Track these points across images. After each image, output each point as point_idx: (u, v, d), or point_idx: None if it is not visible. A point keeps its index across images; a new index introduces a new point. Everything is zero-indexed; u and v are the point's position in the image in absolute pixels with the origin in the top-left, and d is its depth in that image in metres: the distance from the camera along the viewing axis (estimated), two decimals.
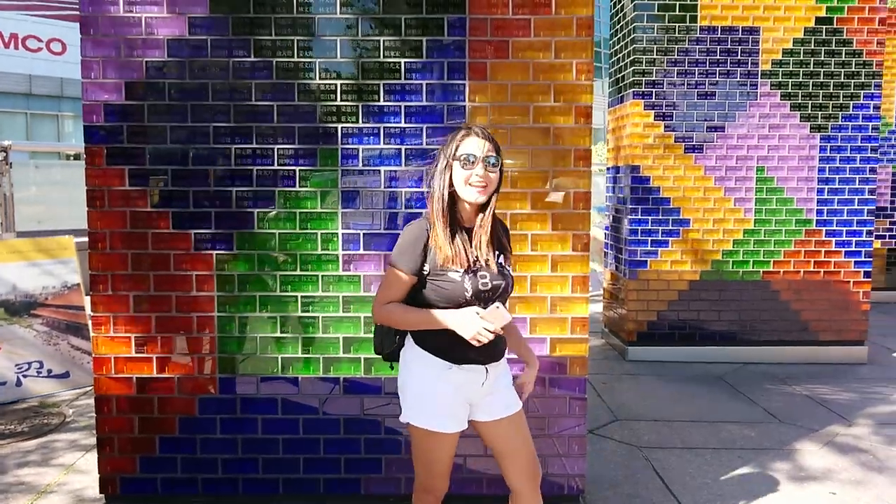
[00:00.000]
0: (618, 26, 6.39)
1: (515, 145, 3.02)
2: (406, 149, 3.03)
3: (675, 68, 5.91)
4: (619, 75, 6.37)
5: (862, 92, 5.93)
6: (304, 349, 3.11)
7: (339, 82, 3.01)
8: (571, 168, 3.03)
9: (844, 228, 6.00)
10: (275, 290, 3.08)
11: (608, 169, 6.81)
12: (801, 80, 5.91)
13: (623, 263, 6.14)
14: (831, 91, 5.94)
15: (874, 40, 5.89)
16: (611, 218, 6.66)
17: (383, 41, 3.00)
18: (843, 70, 5.92)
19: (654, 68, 5.90)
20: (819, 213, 6.00)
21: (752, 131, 5.96)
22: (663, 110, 5.93)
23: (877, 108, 5.95)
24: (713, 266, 6.03)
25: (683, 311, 6.07)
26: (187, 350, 3.10)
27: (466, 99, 3.01)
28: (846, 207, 5.98)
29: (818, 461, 3.94)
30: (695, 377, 5.61)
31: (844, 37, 5.88)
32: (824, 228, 6.00)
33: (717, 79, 5.91)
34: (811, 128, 5.96)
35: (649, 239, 6.01)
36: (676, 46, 5.89)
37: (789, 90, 5.92)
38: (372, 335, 3.05)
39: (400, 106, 3.01)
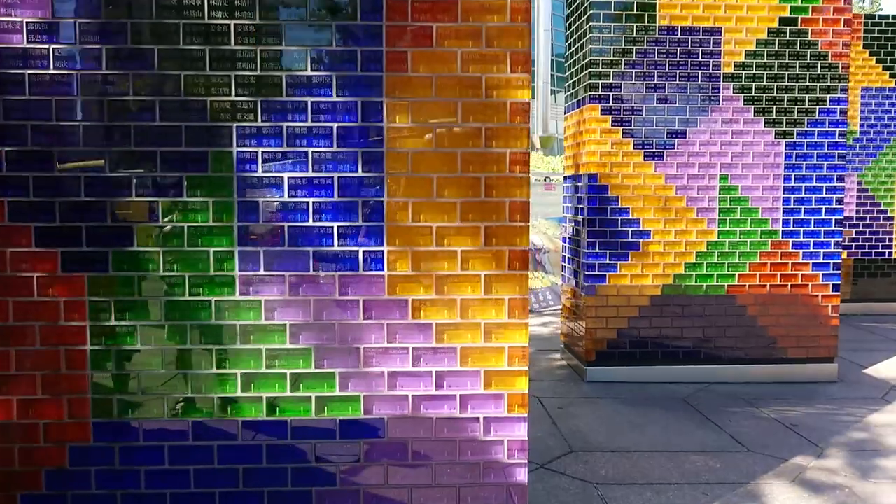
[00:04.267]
0: (573, 27, 6.04)
1: (442, 147, 2.60)
2: (314, 152, 2.59)
3: (634, 71, 5.55)
4: (575, 79, 6.01)
5: (828, 96, 5.63)
6: (196, 388, 2.64)
7: (233, 74, 2.56)
8: (507, 173, 2.62)
9: (812, 239, 5.68)
10: (159, 319, 2.61)
11: (565, 178, 6.43)
12: (764, 83, 5.60)
13: (580, 278, 5.75)
14: (796, 95, 5.63)
15: (840, 42, 5.60)
16: (568, 230, 6.28)
17: (285, 25, 2.56)
18: (808, 73, 5.62)
19: (612, 71, 5.54)
20: (785, 223, 5.68)
21: (715, 137, 5.62)
22: (621, 115, 5.57)
23: (843, 112, 5.66)
24: (675, 280, 5.67)
25: (645, 329, 5.69)
26: (55, 390, 2.61)
27: (384, 94, 2.58)
28: (813, 217, 5.67)
29: (789, 499, 3.56)
30: (657, 399, 5.23)
31: (809, 38, 5.58)
32: (791, 240, 5.68)
33: (678, 82, 5.57)
34: (776, 134, 5.64)
35: (608, 252, 5.63)
36: (634, 48, 5.53)
37: (752, 94, 5.60)
38: (278, 370, 2.61)
39: (306, 102, 2.57)
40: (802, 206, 5.67)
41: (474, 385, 2.68)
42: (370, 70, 2.58)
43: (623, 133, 5.58)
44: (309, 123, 2.57)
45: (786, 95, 5.62)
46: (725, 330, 5.71)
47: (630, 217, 5.62)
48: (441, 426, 2.69)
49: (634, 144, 5.59)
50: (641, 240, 5.63)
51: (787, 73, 5.60)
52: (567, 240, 6.30)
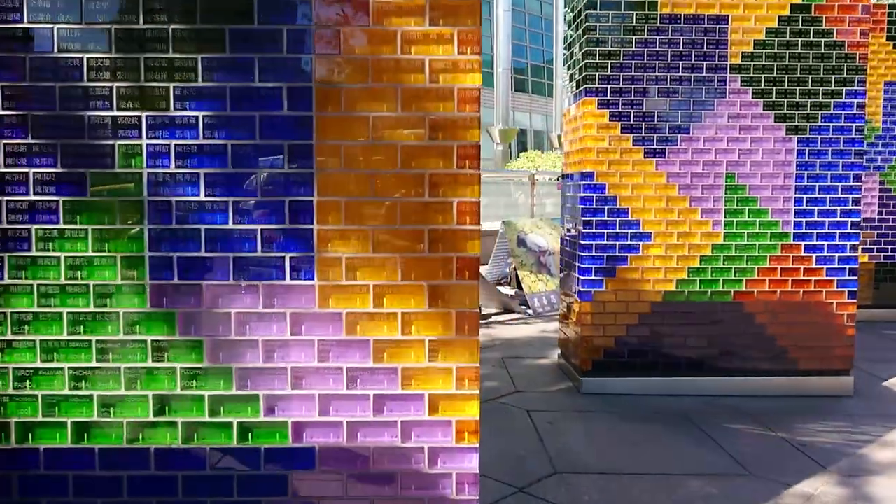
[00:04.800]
0: (571, 15, 5.68)
1: (380, 140, 2.28)
2: (233, 145, 2.28)
3: (633, 62, 5.19)
4: (572, 71, 5.65)
5: (844, 89, 5.22)
6: (104, 411, 2.34)
7: (142, 56, 2.26)
8: (454, 170, 2.29)
9: (826, 243, 5.28)
10: (61, 334, 2.31)
11: (562, 176, 6.08)
12: (775, 75, 5.20)
13: (576, 283, 5.40)
14: (809, 88, 5.22)
15: (857, 31, 5.19)
16: (564, 231, 5.93)
17: (200, 2, 2.26)
18: (822, 64, 5.21)
19: (609, 62, 5.18)
20: (797, 225, 5.27)
21: (721, 133, 5.24)
22: (619, 109, 5.20)
23: (861, 106, 5.24)
24: (678, 286, 5.30)
25: (645, 338, 5.32)
26: None
27: (313, 79, 2.27)
28: (828, 219, 5.26)
29: None
30: (656, 414, 4.86)
31: (824, 27, 5.17)
32: (803, 243, 5.27)
33: (681, 74, 5.19)
34: (787, 129, 5.24)
35: (605, 255, 5.27)
36: (634, 37, 5.17)
37: (762, 87, 5.21)
38: (196, 391, 2.30)
39: (224, 88, 2.27)
40: (816, 207, 5.26)
41: (418, 410, 2.35)
42: (297, 52, 2.26)
43: (622, 128, 5.22)
44: (227, 112, 2.26)
45: (798, 88, 5.22)
46: (732, 339, 5.33)
47: (629, 218, 5.25)
48: (381, 456, 2.36)
49: (634, 141, 5.22)
50: (641, 242, 5.27)
51: (799, 64, 5.20)
52: (564, 241, 5.95)
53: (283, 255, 2.29)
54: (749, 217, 5.26)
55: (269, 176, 2.27)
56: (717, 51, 5.19)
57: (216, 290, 2.31)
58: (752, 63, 5.19)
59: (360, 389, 2.33)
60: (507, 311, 8.24)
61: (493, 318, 7.92)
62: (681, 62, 5.19)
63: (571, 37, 5.66)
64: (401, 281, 2.30)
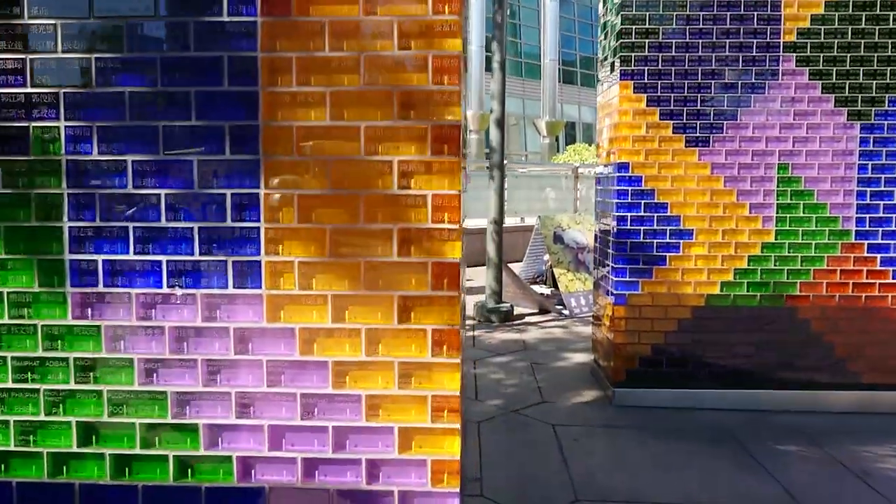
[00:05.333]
0: None
1: (339, 120, 1.88)
2: (165, 127, 1.91)
3: (674, 41, 4.68)
4: (606, 53, 5.17)
5: None
6: (21, 440, 2.00)
7: (58, 22, 1.90)
8: (428, 156, 1.88)
9: (892, 242, 4.69)
10: None
11: (597, 168, 5.60)
12: (835, 54, 4.63)
13: (609, 284, 4.92)
14: (875, 68, 4.64)
15: None
16: (597, 227, 5.45)
17: None
18: (889, 41, 4.62)
19: (647, 41, 4.68)
20: (860, 222, 4.70)
21: (773, 119, 4.69)
22: (658, 94, 4.70)
23: None
24: (723, 289, 4.77)
25: (685, 345, 4.82)
26: None
27: (259, 47, 1.88)
28: (894, 215, 4.67)
29: None
30: (695, 431, 4.37)
31: None
32: (866, 242, 4.70)
33: (728, 53, 4.66)
34: (849, 115, 4.66)
35: (641, 255, 4.78)
36: (675, 13, 4.66)
37: (820, 67, 4.64)
38: (126, 418, 1.95)
39: (154, 59, 1.90)
40: (881, 202, 4.67)
41: (387, 446, 1.95)
42: (240, 14, 1.88)
43: (661, 115, 4.71)
44: (157, 88, 1.89)
45: (861, 69, 4.64)
46: (784, 349, 4.78)
47: (668, 214, 4.75)
48: (343, 500, 1.97)
49: (674, 128, 4.72)
50: (682, 241, 4.76)
51: (863, 41, 4.62)
52: (597, 238, 5.47)
53: (224, 258, 1.92)
54: (805, 213, 4.70)
55: (207, 164, 1.89)
56: (769, 27, 4.64)
57: (148, 300, 1.95)
58: (809, 40, 4.63)
59: (317, 420, 1.95)
60: (542, 311, 7.78)
61: (526, 319, 7.47)
62: (727, 40, 4.66)
63: (605, 14, 5.17)
64: (365, 291, 1.91)
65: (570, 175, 12.77)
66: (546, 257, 8.58)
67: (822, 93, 4.65)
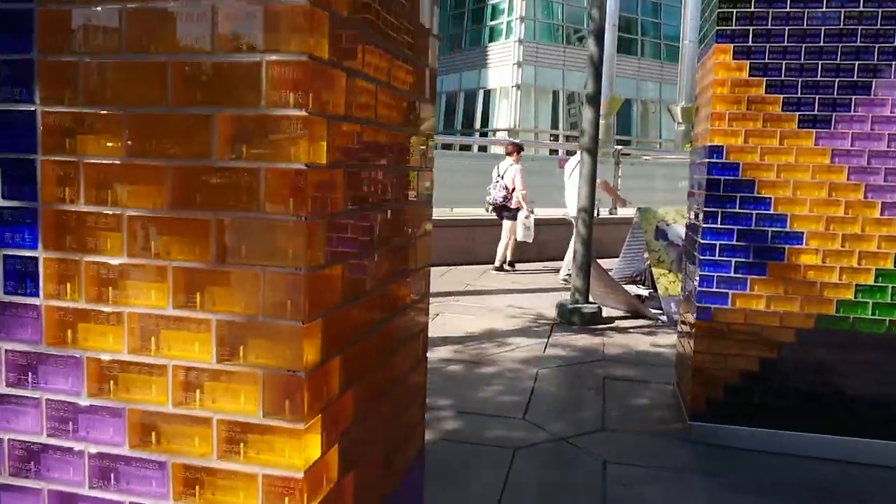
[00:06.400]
0: None
1: (140, 52, 1.26)
2: None
3: None
4: (706, 12, 4.24)
5: None
6: None
7: None
8: (265, 108, 1.22)
9: None
10: None
11: (691, 153, 4.69)
12: None
13: (694, 293, 4.04)
14: None
15: None
16: (686, 224, 4.55)
17: None
18: None
19: None
20: None
21: None
22: (765, 60, 3.75)
23: None
24: (840, 309, 3.77)
25: (785, 375, 3.86)
26: None
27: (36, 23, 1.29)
28: None
29: None
30: (786, 486, 3.45)
31: None
32: None
33: (861, 9, 3.63)
34: None
35: (732, 260, 3.87)
36: None
37: None
38: None
39: None
40: None
41: None
42: None
43: (767, 87, 3.76)
44: None
45: None
46: None
47: (772, 212, 3.80)
48: None
49: (785, 104, 3.75)
50: (788, 246, 3.80)
51: None
52: (687, 236, 4.57)
53: None
54: None
55: None
56: None
57: None
58: None
59: (112, 490, 1.35)
60: (635, 314, 6.86)
61: (615, 324, 6.59)
62: None
63: None
64: (172, 310, 1.28)
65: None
66: (645, 255, 7.63)
67: None
